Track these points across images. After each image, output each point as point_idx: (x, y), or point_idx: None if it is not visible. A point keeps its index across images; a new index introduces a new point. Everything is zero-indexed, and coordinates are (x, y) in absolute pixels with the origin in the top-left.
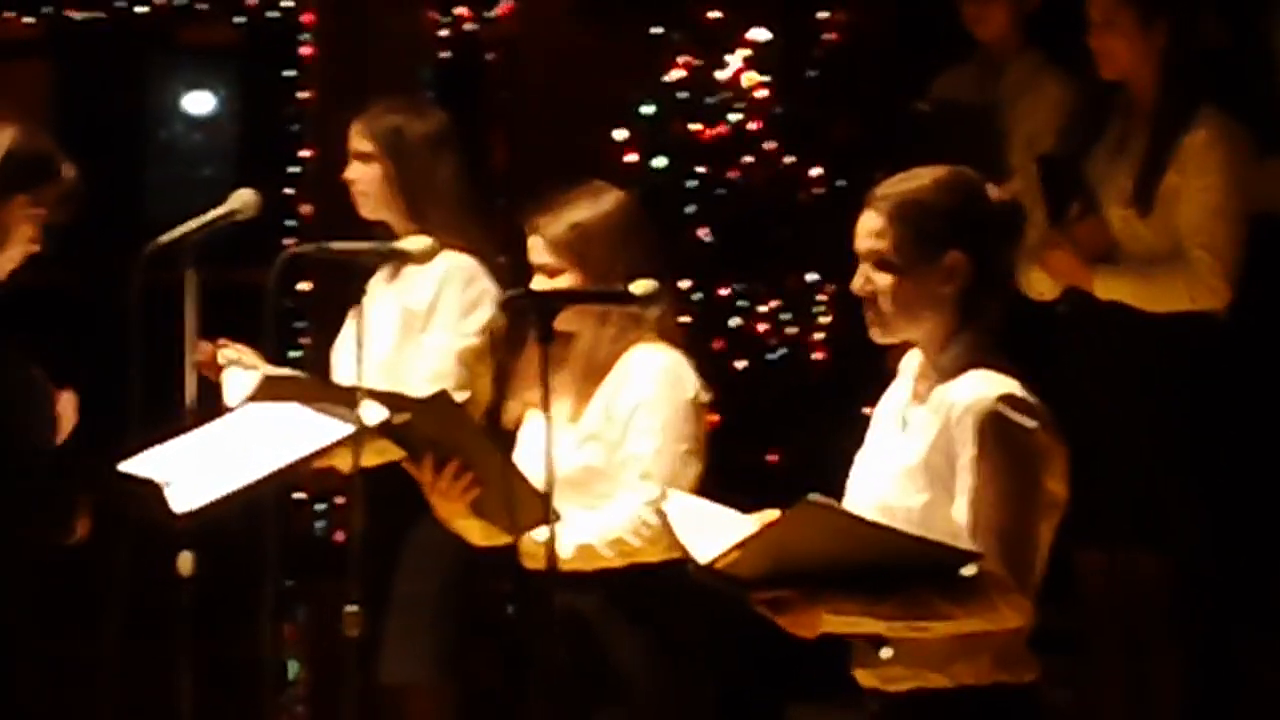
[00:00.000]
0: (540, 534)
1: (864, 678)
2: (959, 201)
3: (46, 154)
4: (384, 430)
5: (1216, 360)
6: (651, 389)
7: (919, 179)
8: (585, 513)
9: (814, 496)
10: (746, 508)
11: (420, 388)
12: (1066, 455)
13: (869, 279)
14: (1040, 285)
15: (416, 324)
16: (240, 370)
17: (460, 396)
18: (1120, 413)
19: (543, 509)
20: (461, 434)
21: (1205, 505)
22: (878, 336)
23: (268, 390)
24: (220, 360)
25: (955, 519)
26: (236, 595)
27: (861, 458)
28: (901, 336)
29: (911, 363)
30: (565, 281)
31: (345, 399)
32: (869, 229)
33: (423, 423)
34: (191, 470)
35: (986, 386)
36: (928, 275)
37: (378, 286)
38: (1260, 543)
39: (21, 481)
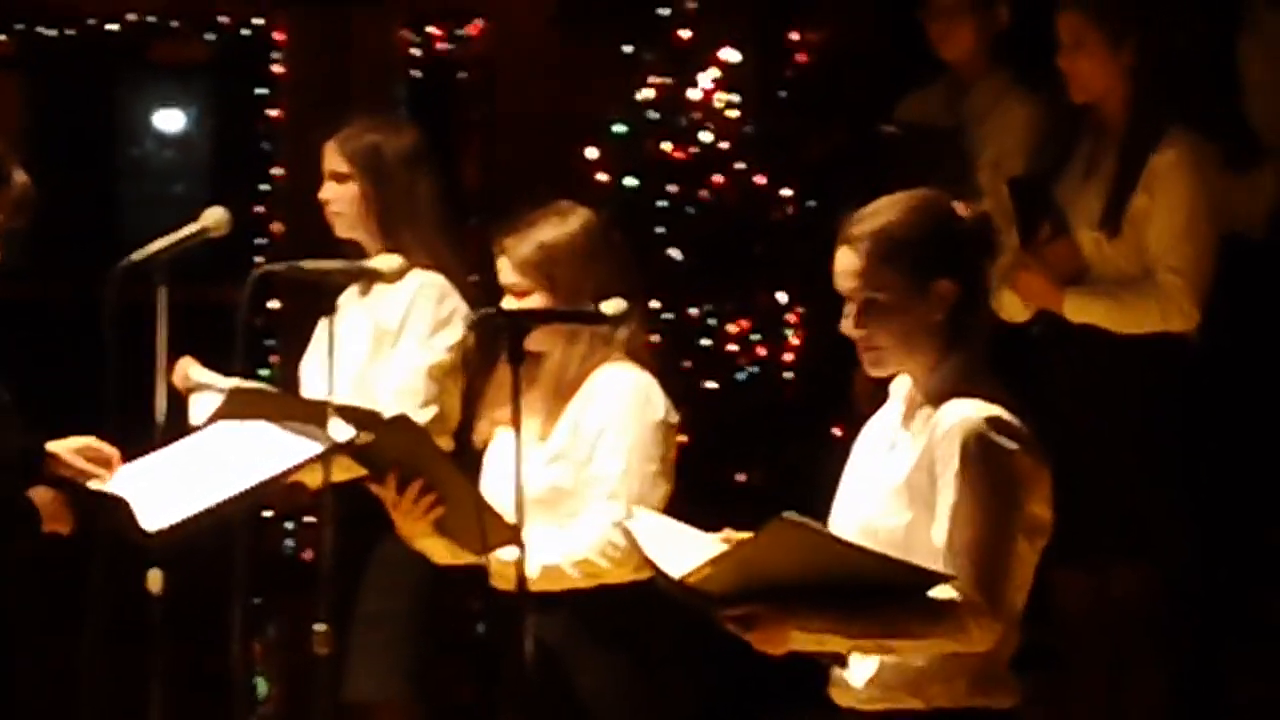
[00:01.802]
0: (506, 554)
1: (839, 697)
2: (936, 228)
3: None
4: (347, 449)
5: (1192, 378)
6: (619, 409)
7: (891, 211)
8: (552, 533)
9: (788, 514)
10: (715, 526)
11: (389, 403)
12: (1050, 478)
13: (859, 319)
14: (1012, 308)
15: (387, 340)
16: (208, 394)
17: (429, 413)
18: (1098, 431)
19: (507, 530)
20: (424, 455)
21: (1185, 521)
22: (875, 371)
23: (235, 403)
24: (189, 382)
25: (935, 539)
26: (206, 613)
27: (847, 478)
28: (899, 369)
29: (901, 386)
30: (534, 302)
31: (313, 413)
32: (851, 270)
33: (386, 443)
34: (161, 488)
35: (971, 408)
36: (918, 308)
37: (349, 302)
38: (1240, 557)
39: None
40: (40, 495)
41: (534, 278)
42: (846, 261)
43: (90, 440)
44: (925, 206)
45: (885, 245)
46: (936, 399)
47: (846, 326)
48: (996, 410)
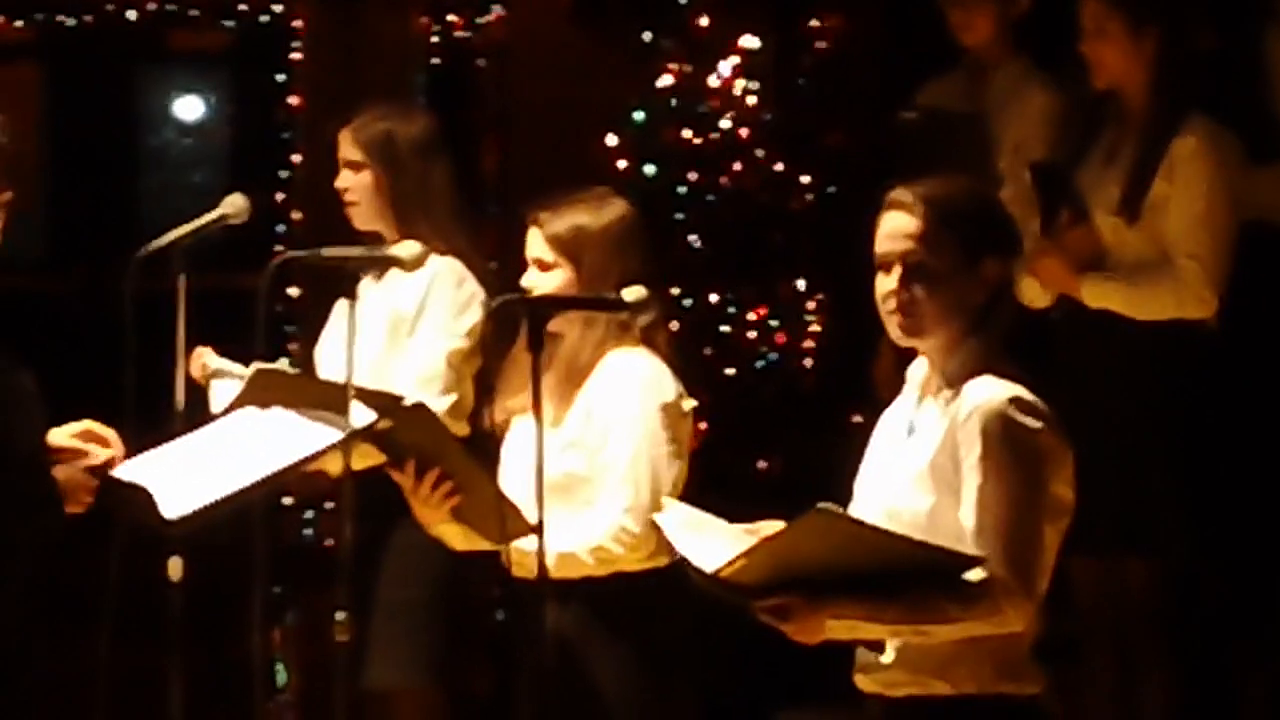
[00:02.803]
0: (524, 543)
1: (865, 683)
2: (989, 208)
3: None
4: (366, 435)
5: (1208, 367)
6: (631, 395)
7: (947, 185)
8: (567, 520)
9: (825, 505)
10: (736, 515)
11: (411, 391)
12: (1073, 459)
13: (904, 284)
14: (1031, 293)
15: (404, 326)
16: (227, 381)
17: (448, 400)
18: (1113, 419)
19: (525, 522)
20: (441, 444)
21: (1197, 512)
22: (901, 340)
23: (257, 384)
24: (207, 370)
25: (961, 522)
26: (226, 601)
27: (867, 465)
28: (924, 341)
29: (917, 372)
30: (557, 278)
31: (335, 395)
32: (905, 231)
33: (403, 431)
34: (181, 476)
35: (993, 389)
36: (965, 282)
37: (365, 288)
38: (1251, 550)
39: (12, 486)
40: (61, 473)
41: (561, 254)
42: (901, 224)
43: (86, 423)
44: (977, 187)
45: (943, 211)
46: (955, 381)
47: (886, 287)
48: (1019, 390)
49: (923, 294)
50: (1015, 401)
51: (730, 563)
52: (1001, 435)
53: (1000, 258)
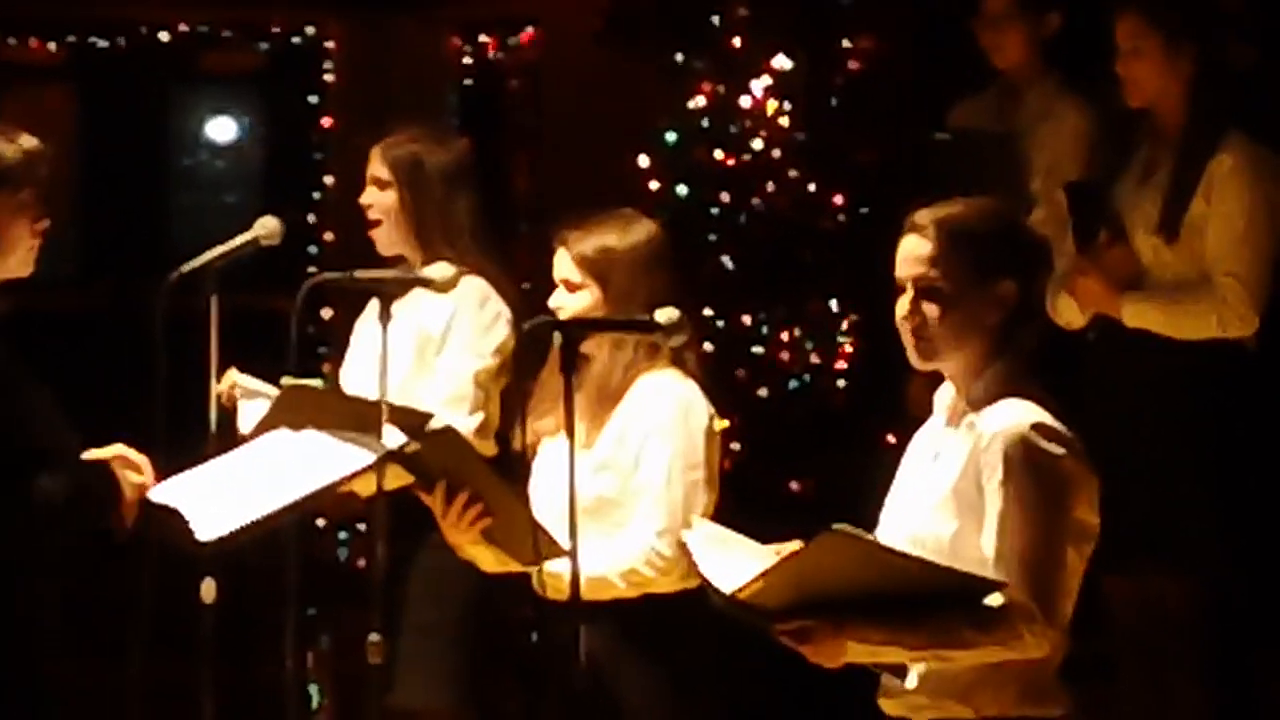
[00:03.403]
0: (556, 565)
1: (889, 707)
2: (1006, 230)
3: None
4: (396, 458)
5: (1245, 387)
6: (663, 417)
7: (963, 207)
8: (598, 543)
9: (839, 526)
10: (769, 535)
11: (437, 410)
12: (1097, 484)
13: (916, 306)
14: (1068, 313)
15: (431, 346)
16: (256, 401)
17: (476, 420)
18: (1149, 439)
19: (556, 544)
20: (470, 467)
21: (1233, 532)
22: (919, 362)
23: (286, 401)
24: (236, 393)
25: (983, 548)
26: (259, 622)
27: (894, 488)
28: (941, 364)
29: (944, 396)
30: (584, 298)
31: (364, 412)
32: (917, 255)
33: (433, 453)
34: (215, 498)
35: (1016, 414)
36: (977, 304)
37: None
38: None
39: (43, 488)
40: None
41: (589, 275)
42: (913, 247)
43: (118, 448)
44: (995, 209)
45: (955, 233)
46: (979, 405)
47: (901, 310)
48: (1041, 415)
49: (934, 316)
50: (1037, 427)
51: (747, 584)
52: (1023, 461)
53: (1016, 279)
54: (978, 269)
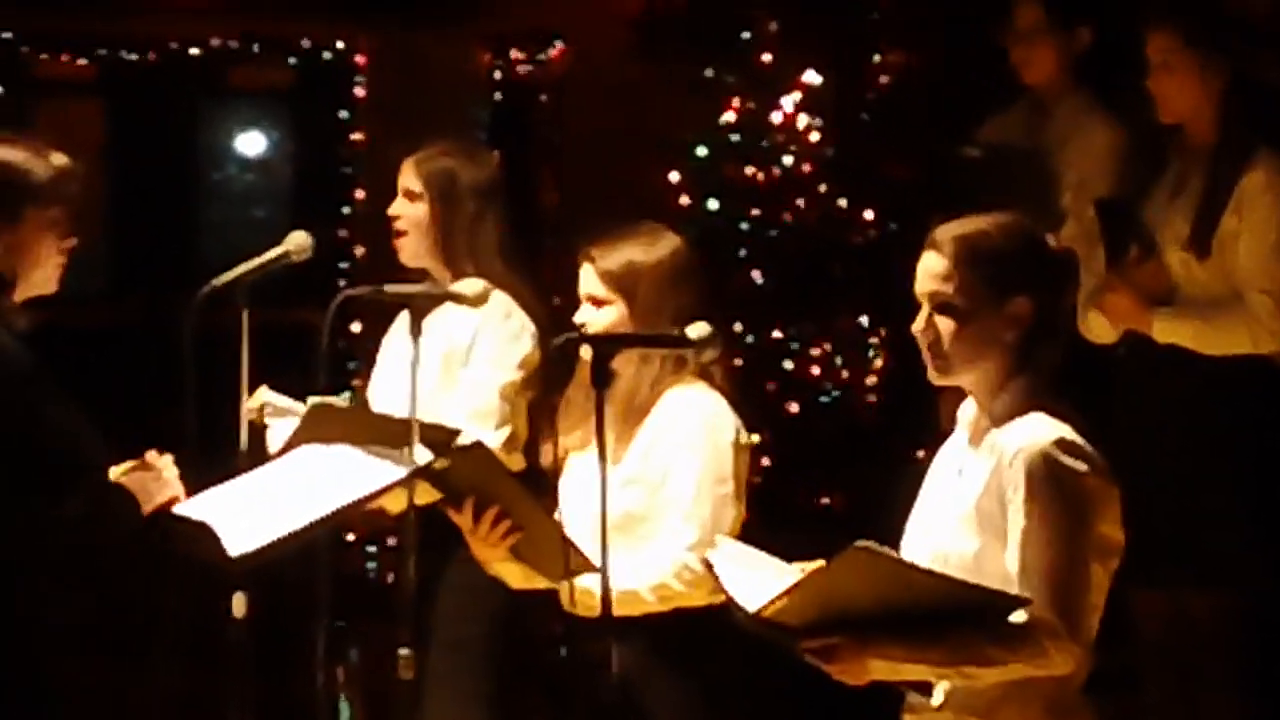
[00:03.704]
0: (585, 581)
1: None
2: (1024, 247)
3: (25, 158)
4: (424, 475)
5: (1275, 402)
6: (691, 431)
7: (983, 223)
8: (625, 557)
9: (862, 543)
10: (799, 550)
11: (463, 424)
12: (1120, 499)
13: (931, 322)
14: (1099, 329)
15: (456, 361)
16: (286, 419)
17: (503, 434)
18: (1179, 454)
19: (585, 560)
20: (499, 482)
21: (1263, 544)
22: (935, 379)
23: (314, 419)
24: (267, 411)
25: (1007, 565)
26: (290, 637)
27: (918, 505)
28: (959, 380)
29: (967, 412)
30: (611, 314)
31: (392, 429)
32: (932, 271)
33: (462, 469)
34: (246, 513)
35: (1038, 431)
36: (992, 320)
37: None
38: None
39: (71, 505)
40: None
41: (615, 290)
42: (929, 263)
43: (143, 459)
44: (1016, 225)
45: (970, 250)
46: (1001, 421)
47: (916, 326)
48: (1063, 431)
49: (947, 332)
50: (1059, 444)
51: (771, 602)
52: (1045, 478)
53: (1032, 295)
54: (991, 285)
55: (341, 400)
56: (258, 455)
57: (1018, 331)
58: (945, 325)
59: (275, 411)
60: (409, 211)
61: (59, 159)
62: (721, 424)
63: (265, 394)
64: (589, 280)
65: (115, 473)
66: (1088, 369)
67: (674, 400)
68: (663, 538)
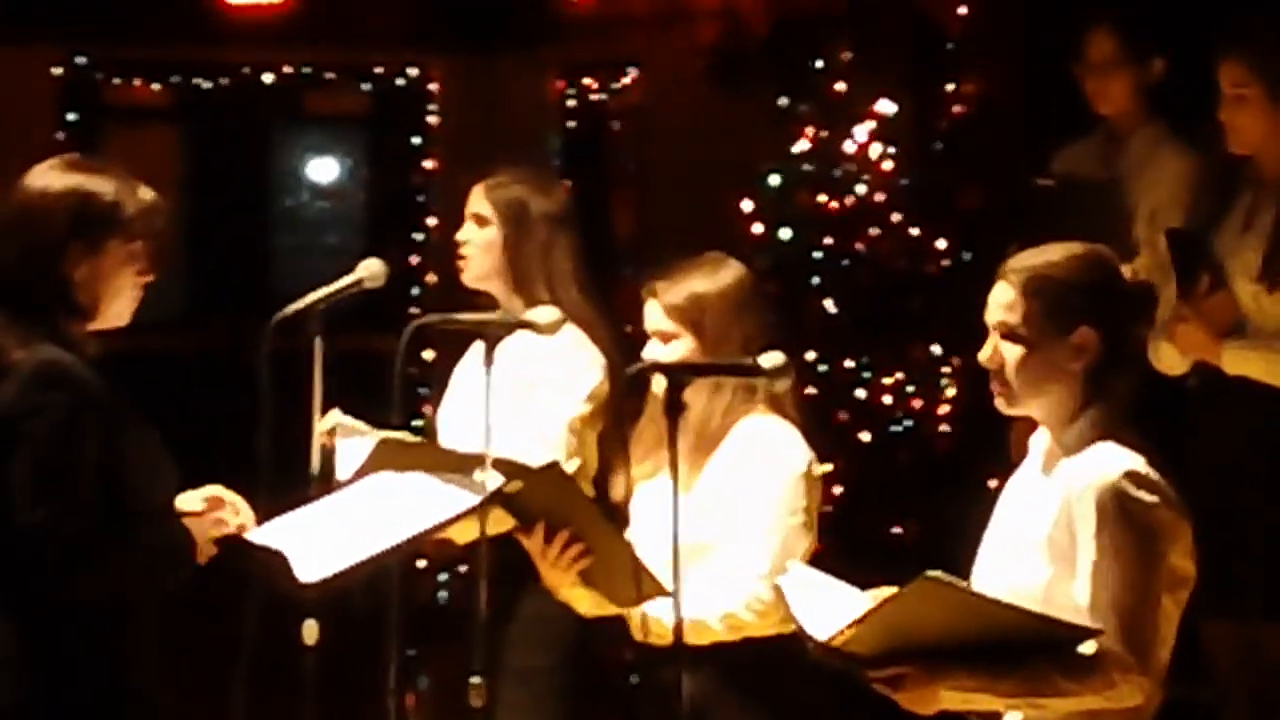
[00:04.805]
0: (653, 607)
1: None
2: (1092, 278)
3: (115, 190)
4: (495, 499)
5: None
6: (763, 461)
7: (1053, 253)
8: (697, 586)
9: (932, 573)
10: (871, 580)
11: (531, 456)
12: (1191, 531)
13: (996, 350)
14: (1169, 359)
15: (524, 391)
16: (354, 439)
17: (572, 465)
18: (1250, 485)
19: (656, 583)
20: (573, 505)
21: None
22: (1003, 408)
23: (383, 454)
24: (338, 432)
25: (1076, 596)
26: (360, 664)
27: (990, 534)
28: (1026, 410)
29: (1040, 442)
30: (679, 348)
31: (462, 464)
32: (1000, 301)
33: (534, 492)
34: (318, 540)
35: (1109, 462)
36: (1056, 350)
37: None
38: None
39: (142, 536)
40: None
41: (681, 323)
42: (998, 293)
43: (215, 489)
44: (1087, 255)
45: (1036, 281)
46: (1072, 451)
47: (982, 355)
48: (1135, 461)
49: (1011, 361)
50: (1130, 476)
51: (840, 631)
52: (1116, 511)
53: (1097, 326)
54: (1054, 315)
55: (410, 436)
56: (329, 481)
57: (1084, 362)
58: (1010, 354)
59: (344, 431)
60: (478, 237)
61: (147, 193)
62: (794, 454)
63: (336, 415)
64: (654, 316)
65: (191, 498)
66: (1160, 400)
67: (746, 430)
68: (733, 567)
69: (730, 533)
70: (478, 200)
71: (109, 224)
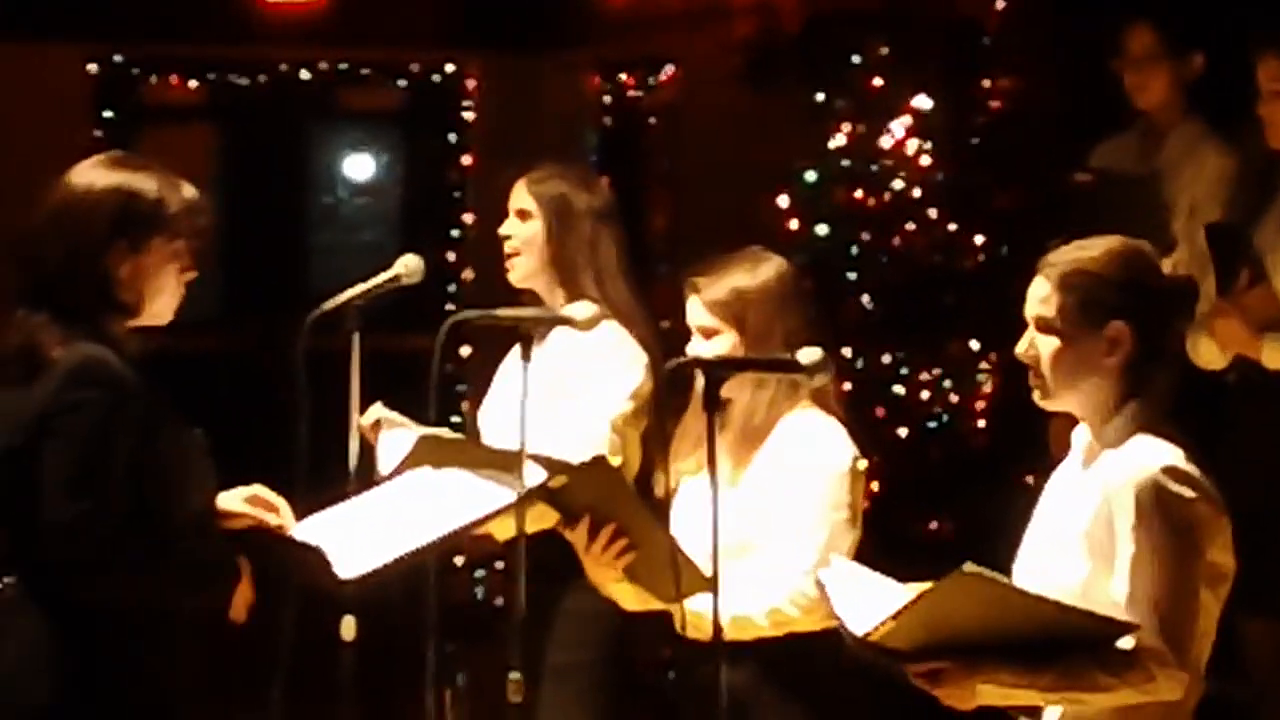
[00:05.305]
0: (697, 603)
1: None
2: (1126, 273)
3: (159, 188)
4: (540, 493)
5: None
6: (808, 456)
7: (1091, 249)
8: (740, 581)
9: (969, 566)
10: (908, 575)
11: (573, 453)
12: (1230, 526)
13: (1033, 343)
14: (1209, 354)
15: (565, 389)
16: (397, 432)
17: (615, 463)
18: None
19: (701, 578)
20: (618, 499)
21: None
22: (1040, 402)
23: (422, 452)
24: (381, 426)
25: (1114, 591)
26: (397, 661)
27: (1030, 529)
28: (1063, 404)
29: (1081, 437)
30: (722, 343)
31: (504, 463)
32: (1037, 295)
33: (580, 487)
34: (356, 536)
35: (1147, 457)
36: (1089, 343)
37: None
38: None
39: (180, 547)
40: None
41: (724, 319)
42: (1035, 287)
43: (256, 488)
44: (1124, 251)
45: (1072, 275)
46: (1111, 446)
47: (1020, 347)
48: (1174, 456)
49: (1046, 354)
50: (1168, 470)
51: (878, 626)
52: (1154, 505)
53: (1131, 321)
54: (1088, 309)
55: (450, 433)
56: (367, 477)
57: (1119, 356)
58: (1045, 347)
59: (388, 424)
60: (521, 231)
61: (190, 191)
62: (838, 449)
63: (379, 410)
64: (696, 312)
65: (231, 497)
66: (1199, 395)
67: (791, 425)
68: (779, 563)
69: (775, 529)
70: (520, 195)
71: (153, 222)
